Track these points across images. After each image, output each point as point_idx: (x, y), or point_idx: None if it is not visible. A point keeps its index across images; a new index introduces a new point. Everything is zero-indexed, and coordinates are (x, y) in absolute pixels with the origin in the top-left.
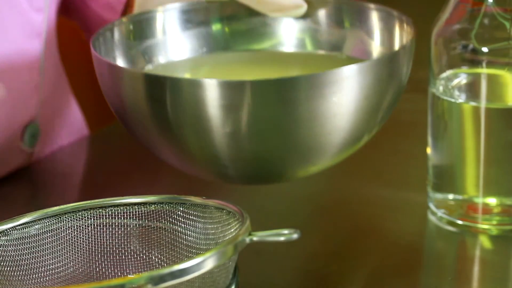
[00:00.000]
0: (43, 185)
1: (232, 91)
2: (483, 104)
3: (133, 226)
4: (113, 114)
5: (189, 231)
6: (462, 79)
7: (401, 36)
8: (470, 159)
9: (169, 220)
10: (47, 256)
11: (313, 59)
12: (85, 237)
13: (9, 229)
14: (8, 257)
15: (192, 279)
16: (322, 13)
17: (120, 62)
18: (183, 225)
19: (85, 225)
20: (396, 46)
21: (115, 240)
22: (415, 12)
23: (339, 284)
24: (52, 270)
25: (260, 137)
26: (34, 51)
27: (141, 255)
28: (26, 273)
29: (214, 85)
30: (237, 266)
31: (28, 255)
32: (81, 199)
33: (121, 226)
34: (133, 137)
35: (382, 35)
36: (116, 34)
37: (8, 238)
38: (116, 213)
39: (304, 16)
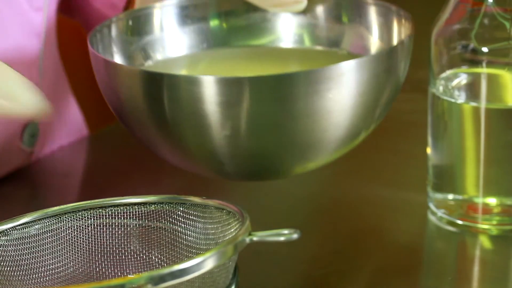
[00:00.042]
0: (43, 185)
1: (230, 87)
2: (483, 104)
3: (133, 226)
4: (113, 114)
5: (189, 231)
6: (462, 79)
7: (399, 31)
8: (470, 159)
9: (169, 220)
10: (47, 256)
11: (311, 54)
12: (85, 237)
13: (9, 229)
14: (8, 257)
15: (192, 279)
16: (320, 8)
17: (118, 58)
18: (183, 225)
19: (85, 225)
20: (395, 41)
21: (115, 240)
22: (415, 12)
23: (339, 284)
24: (52, 270)
25: (257, 134)
26: (33, 50)
27: (141, 255)
28: (26, 273)
29: (211, 82)
30: (237, 266)
31: (28, 255)
32: (81, 199)
33: (121, 226)
34: (131, 134)
35: (380, 30)
36: (114, 31)
37: (8, 238)
38: (116, 213)
39: (302, 11)
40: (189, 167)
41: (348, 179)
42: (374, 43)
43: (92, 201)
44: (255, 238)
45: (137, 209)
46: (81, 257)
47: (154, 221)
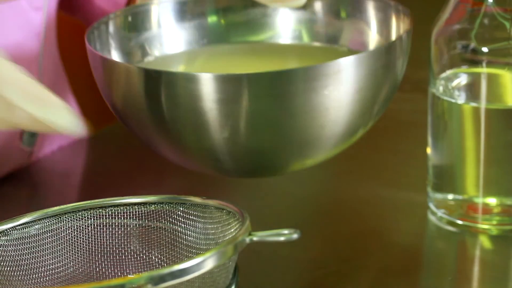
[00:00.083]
0: (43, 185)
1: (227, 84)
2: (483, 104)
3: (133, 226)
4: (113, 115)
5: (189, 231)
6: (462, 79)
7: (398, 27)
8: (470, 159)
9: (169, 220)
10: (47, 256)
11: (309, 50)
12: (85, 237)
13: (9, 229)
14: (8, 257)
15: (192, 279)
16: (319, 4)
17: (116, 55)
18: (183, 225)
19: (85, 225)
20: (394, 37)
21: (115, 240)
22: (415, 12)
23: (339, 284)
24: (52, 270)
25: (256, 130)
26: (32, 50)
27: (141, 255)
28: (26, 273)
29: (209, 79)
30: (237, 266)
31: (28, 255)
32: (81, 199)
33: (121, 226)
34: (129, 131)
35: (379, 25)
36: (112, 27)
37: (8, 238)
38: (116, 213)
39: (301, 7)
40: (187, 164)
41: (348, 179)
42: (373, 39)
43: (92, 201)
44: (255, 238)
45: (137, 209)
46: (81, 257)
47: (154, 221)
